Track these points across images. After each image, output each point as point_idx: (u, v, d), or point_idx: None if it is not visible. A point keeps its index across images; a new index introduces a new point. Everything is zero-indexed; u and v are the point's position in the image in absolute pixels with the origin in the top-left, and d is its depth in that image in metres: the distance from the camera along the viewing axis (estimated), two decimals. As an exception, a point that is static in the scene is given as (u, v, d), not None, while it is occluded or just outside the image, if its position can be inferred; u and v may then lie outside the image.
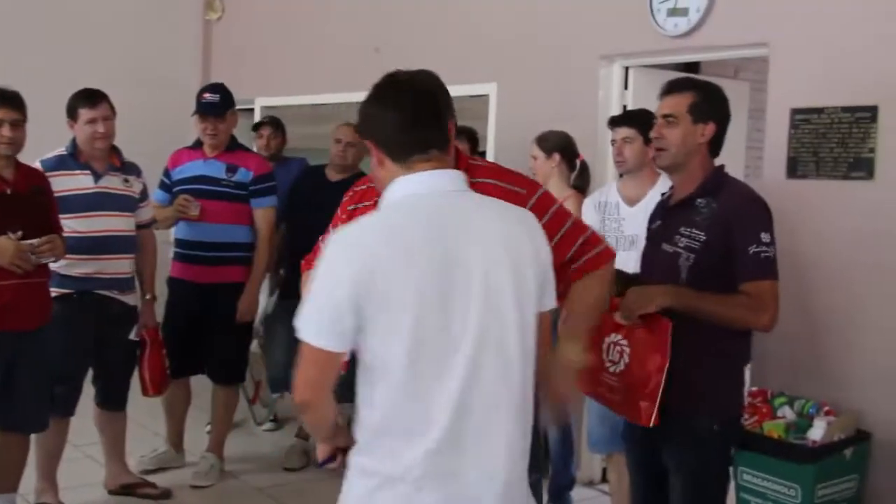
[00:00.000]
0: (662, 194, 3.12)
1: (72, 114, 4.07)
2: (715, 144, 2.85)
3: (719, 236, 2.70)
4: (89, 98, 4.09)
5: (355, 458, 1.94)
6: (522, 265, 1.92)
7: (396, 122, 1.99)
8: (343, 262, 1.83)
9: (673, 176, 2.90)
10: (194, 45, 7.45)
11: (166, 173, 4.63)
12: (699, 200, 2.78)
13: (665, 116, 2.79)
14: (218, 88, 4.61)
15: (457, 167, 2.36)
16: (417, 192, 1.94)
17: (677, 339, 2.69)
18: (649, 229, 3.01)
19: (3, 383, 3.54)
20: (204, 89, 4.67)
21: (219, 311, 4.47)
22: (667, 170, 2.90)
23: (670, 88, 2.84)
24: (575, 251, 2.40)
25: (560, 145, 4.22)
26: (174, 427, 4.74)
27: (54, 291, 3.94)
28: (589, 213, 3.90)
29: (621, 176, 4.01)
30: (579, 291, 2.40)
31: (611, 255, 2.48)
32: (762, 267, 2.69)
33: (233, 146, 4.62)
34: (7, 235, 3.42)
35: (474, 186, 2.33)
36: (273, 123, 5.65)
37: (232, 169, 4.53)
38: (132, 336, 4.22)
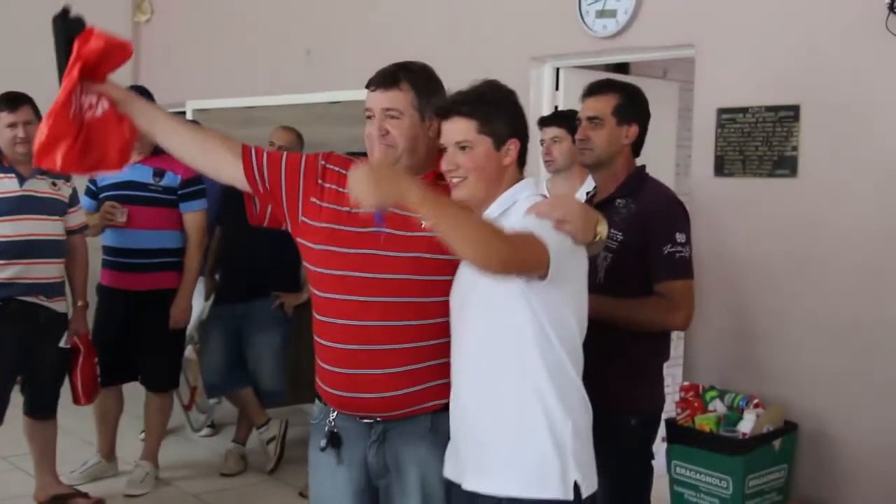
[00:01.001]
0: (587, 193, 3.16)
1: None
2: (637, 145, 2.93)
3: (636, 236, 2.75)
4: (10, 102, 4.00)
5: None
6: None
7: (527, 131, 2.23)
8: None
9: (596, 175, 2.95)
10: (123, 47, 7.32)
11: (91, 179, 4.50)
12: (619, 200, 2.84)
13: (590, 119, 2.85)
14: (138, 90, 4.32)
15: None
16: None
17: (587, 342, 2.72)
18: None
19: None
20: None
21: (150, 318, 4.40)
22: (591, 168, 2.95)
23: (593, 90, 2.91)
24: None
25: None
26: (106, 436, 4.65)
27: (-24, 299, 3.86)
28: None
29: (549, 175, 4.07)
30: None
31: None
32: (676, 267, 2.74)
33: (159, 149, 4.37)
34: None
35: (441, 188, 2.37)
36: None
37: (159, 173, 4.42)
38: (63, 343, 4.13)
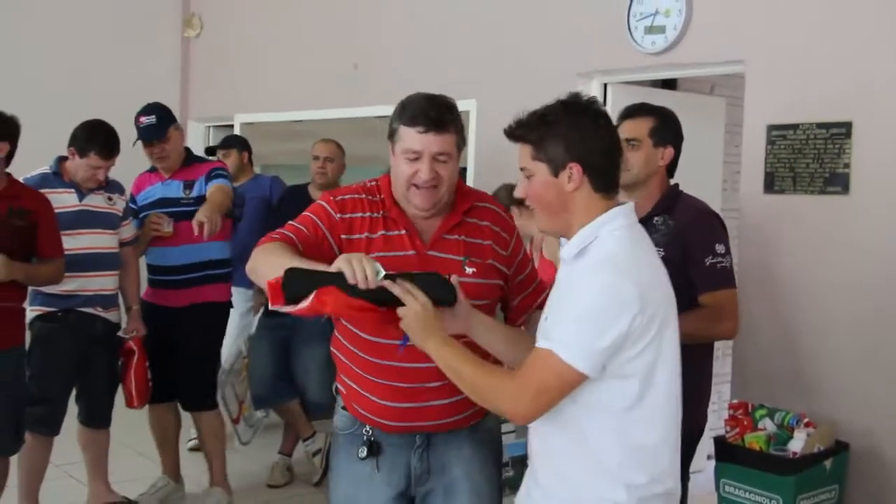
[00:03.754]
0: None
1: (81, 149, 4.03)
2: (671, 166, 3.03)
3: (676, 250, 2.81)
4: (107, 148, 4.05)
5: None
6: None
7: (608, 150, 1.99)
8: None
9: (632, 195, 3.00)
10: (173, 63, 7.46)
11: (132, 199, 4.44)
12: (656, 218, 2.92)
13: (628, 140, 2.91)
14: (152, 109, 4.32)
15: (456, 199, 2.39)
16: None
17: None
18: None
19: None
20: (139, 113, 4.33)
21: (191, 333, 4.29)
22: (627, 188, 2.99)
23: (629, 113, 3.02)
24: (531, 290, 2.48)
25: None
26: (168, 456, 4.55)
27: (37, 310, 3.95)
28: None
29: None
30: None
31: None
32: (719, 277, 2.82)
33: (189, 161, 4.39)
34: None
35: (468, 226, 2.36)
36: (226, 144, 5.58)
37: (189, 185, 4.31)
38: (122, 334, 4.20)
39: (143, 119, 4.28)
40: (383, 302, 1.99)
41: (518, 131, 2.02)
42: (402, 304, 2.00)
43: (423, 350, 2.01)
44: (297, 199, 4.99)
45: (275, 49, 6.70)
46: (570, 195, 1.97)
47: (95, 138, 4.05)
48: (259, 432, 5.53)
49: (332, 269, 1.96)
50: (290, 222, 2.33)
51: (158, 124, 4.25)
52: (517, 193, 2.07)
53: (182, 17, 7.50)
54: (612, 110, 4.79)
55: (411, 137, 2.24)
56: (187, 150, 4.48)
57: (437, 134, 2.24)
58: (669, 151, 2.98)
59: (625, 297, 1.85)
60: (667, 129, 2.98)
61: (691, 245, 2.82)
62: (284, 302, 1.95)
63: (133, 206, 4.41)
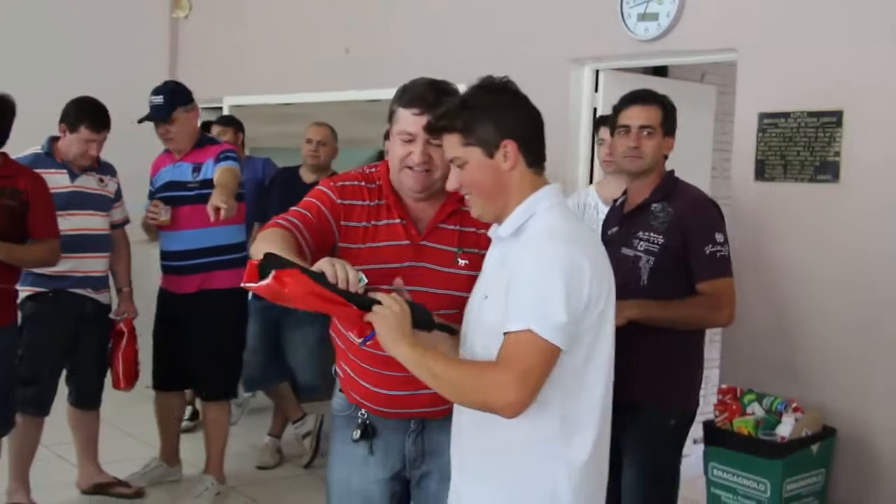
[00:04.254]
0: (615, 200, 3.23)
1: (72, 125, 4.02)
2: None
3: (677, 239, 2.86)
4: (98, 121, 4.05)
5: None
6: None
7: (534, 123, 1.99)
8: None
9: (635, 182, 3.02)
10: (161, 44, 7.40)
11: (151, 181, 4.37)
12: (655, 205, 2.96)
13: (643, 127, 2.95)
14: (161, 89, 4.26)
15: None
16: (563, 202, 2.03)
17: (631, 341, 2.77)
18: (606, 234, 3.12)
19: None
20: (152, 92, 4.29)
21: (199, 321, 4.19)
22: (636, 175, 3.01)
23: (641, 99, 3.02)
24: None
25: None
26: (166, 439, 4.52)
27: (28, 290, 3.94)
28: None
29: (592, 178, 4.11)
30: None
31: None
32: (718, 266, 2.88)
33: (202, 143, 4.29)
34: None
35: (464, 214, 2.31)
36: (225, 119, 5.58)
37: (196, 168, 4.20)
38: (113, 316, 4.19)
39: (152, 98, 4.24)
40: (358, 303, 1.90)
41: (442, 122, 1.98)
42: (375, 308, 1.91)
43: (391, 352, 1.91)
44: (288, 181, 5.00)
45: (265, 31, 6.67)
46: (507, 174, 1.95)
47: (85, 111, 4.05)
48: (245, 412, 5.55)
49: (315, 268, 1.90)
50: (293, 207, 2.32)
51: (164, 105, 4.19)
52: (449, 186, 2.03)
53: (171, -3, 7.45)
54: (604, 97, 4.81)
55: (406, 119, 2.24)
56: (202, 131, 4.40)
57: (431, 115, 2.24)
58: (671, 142, 3.03)
59: (580, 264, 1.85)
60: (672, 120, 3.02)
61: (691, 233, 2.85)
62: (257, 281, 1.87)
63: (151, 188, 4.35)
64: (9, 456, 3.93)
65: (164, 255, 4.31)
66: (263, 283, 1.83)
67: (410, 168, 2.25)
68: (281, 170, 5.27)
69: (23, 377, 3.79)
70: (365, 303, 1.90)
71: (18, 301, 3.86)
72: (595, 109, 4.79)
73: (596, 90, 4.83)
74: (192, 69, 7.22)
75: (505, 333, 1.84)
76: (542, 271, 1.83)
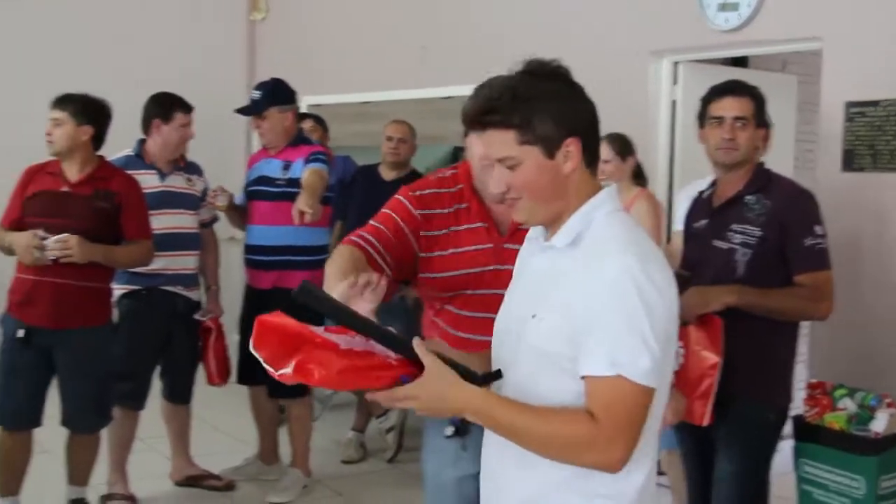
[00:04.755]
0: (700, 192, 3.19)
1: (165, 115, 4.18)
2: None
3: (775, 231, 2.81)
4: (185, 104, 4.25)
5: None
6: None
7: (593, 118, 1.73)
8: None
9: (728, 175, 2.97)
10: (239, 46, 7.55)
11: (246, 175, 4.47)
12: (748, 197, 2.90)
13: (738, 118, 2.90)
14: (262, 85, 4.39)
15: None
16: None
17: (729, 332, 2.77)
18: (692, 227, 3.09)
19: (59, 383, 3.68)
20: (254, 86, 4.49)
21: None
22: (729, 167, 2.96)
23: (733, 90, 2.95)
24: None
25: (630, 148, 4.29)
26: (263, 439, 4.58)
27: (123, 288, 4.07)
28: (683, 206, 3.91)
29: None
30: None
31: None
32: (818, 258, 2.83)
33: (296, 142, 4.34)
34: (33, 232, 3.49)
35: None
36: (315, 118, 5.70)
37: (287, 166, 4.25)
38: (198, 316, 4.31)
39: (252, 92, 4.42)
40: (389, 341, 1.62)
41: (493, 118, 1.67)
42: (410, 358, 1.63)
43: (446, 404, 1.63)
44: (368, 179, 5.06)
45: (341, 31, 6.75)
46: (566, 177, 1.69)
47: (170, 98, 4.24)
48: (328, 408, 5.63)
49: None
50: (371, 221, 2.35)
51: (259, 100, 4.31)
52: (494, 189, 1.73)
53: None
54: (684, 89, 4.77)
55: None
56: (299, 131, 4.47)
57: None
58: (764, 133, 2.97)
59: (656, 281, 1.61)
60: (764, 111, 2.97)
61: (790, 225, 2.81)
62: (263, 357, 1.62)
63: (245, 181, 4.45)
64: (108, 447, 4.08)
65: (245, 249, 4.40)
66: (286, 372, 1.58)
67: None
68: (361, 168, 5.33)
69: (120, 372, 3.92)
70: (397, 342, 1.62)
71: (114, 299, 4.00)
72: (674, 102, 4.75)
73: (675, 83, 4.79)
74: (270, 70, 7.27)
75: (586, 377, 1.60)
76: (620, 298, 1.59)
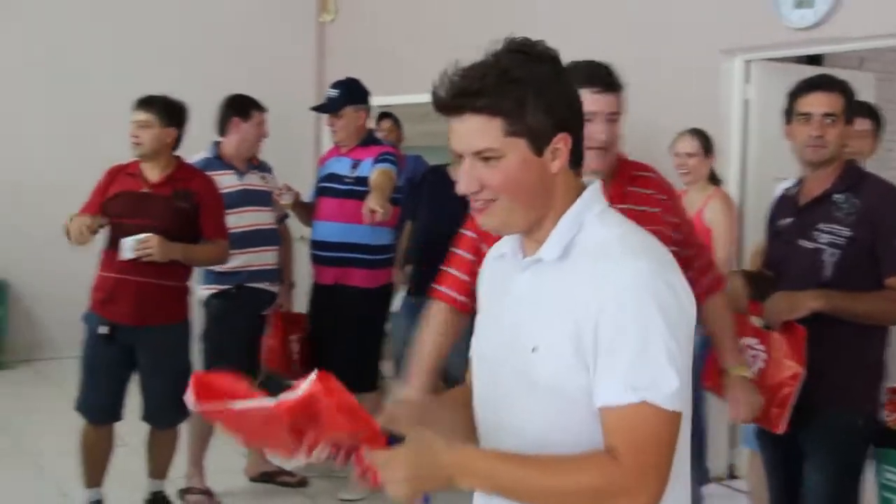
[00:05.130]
0: (786, 189, 3.12)
1: (244, 114, 4.30)
2: None
3: (865, 231, 2.72)
4: (260, 104, 4.37)
5: None
6: None
7: (581, 111, 1.53)
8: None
9: (815, 172, 2.90)
10: (309, 47, 7.65)
11: (318, 171, 4.57)
12: (837, 196, 2.80)
13: (826, 115, 2.80)
14: (339, 84, 4.43)
15: (618, 169, 2.43)
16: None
17: (815, 338, 2.72)
18: (777, 225, 3.01)
19: (140, 380, 3.78)
20: (331, 85, 4.53)
21: (336, 314, 4.27)
22: (816, 165, 2.89)
23: (821, 85, 2.85)
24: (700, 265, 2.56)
25: (712, 145, 4.27)
26: None
27: (211, 289, 4.19)
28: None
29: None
30: (717, 313, 2.63)
31: (725, 281, 2.74)
32: None
33: (367, 142, 4.39)
34: (94, 217, 3.59)
35: (633, 195, 2.38)
36: (393, 118, 5.77)
37: (356, 165, 4.28)
38: (266, 312, 4.39)
39: (329, 90, 4.48)
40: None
41: (478, 101, 1.42)
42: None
43: (445, 480, 1.41)
44: (437, 179, 5.07)
45: (409, 32, 6.80)
46: (552, 177, 1.47)
47: (246, 98, 4.36)
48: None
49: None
50: (447, 270, 2.42)
51: (336, 99, 4.37)
52: (465, 189, 1.49)
53: (317, 1, 7.68)
54: (756, 89, 4.70)
55: (586, 98, 1.93)
56: (370, 132, 4.52)
57: (611, 93, 2.28)
58: (851, 129, 2.87)
59: (672, 285, 1.41)
60: (852, 106, 2.86)
61: (882, 225, 2.72)
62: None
63: (317, 178, 4.54)
64: (188, 442, 4.18)
65: (311, 244, 4.45)
66: (301, 394, 1.44)
67: (590, 148, 2.16)
68: (430, 168, 5.37)
69: (204, 368, 4.01)
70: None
71: (203, 300, 4.15)
72: (747, 101, 4.69)
73: (747, 82, 4.73)
74: (340, 71, 7.35)
75: (602, 408, 1.38)
76: (635, 310, 1.37)
